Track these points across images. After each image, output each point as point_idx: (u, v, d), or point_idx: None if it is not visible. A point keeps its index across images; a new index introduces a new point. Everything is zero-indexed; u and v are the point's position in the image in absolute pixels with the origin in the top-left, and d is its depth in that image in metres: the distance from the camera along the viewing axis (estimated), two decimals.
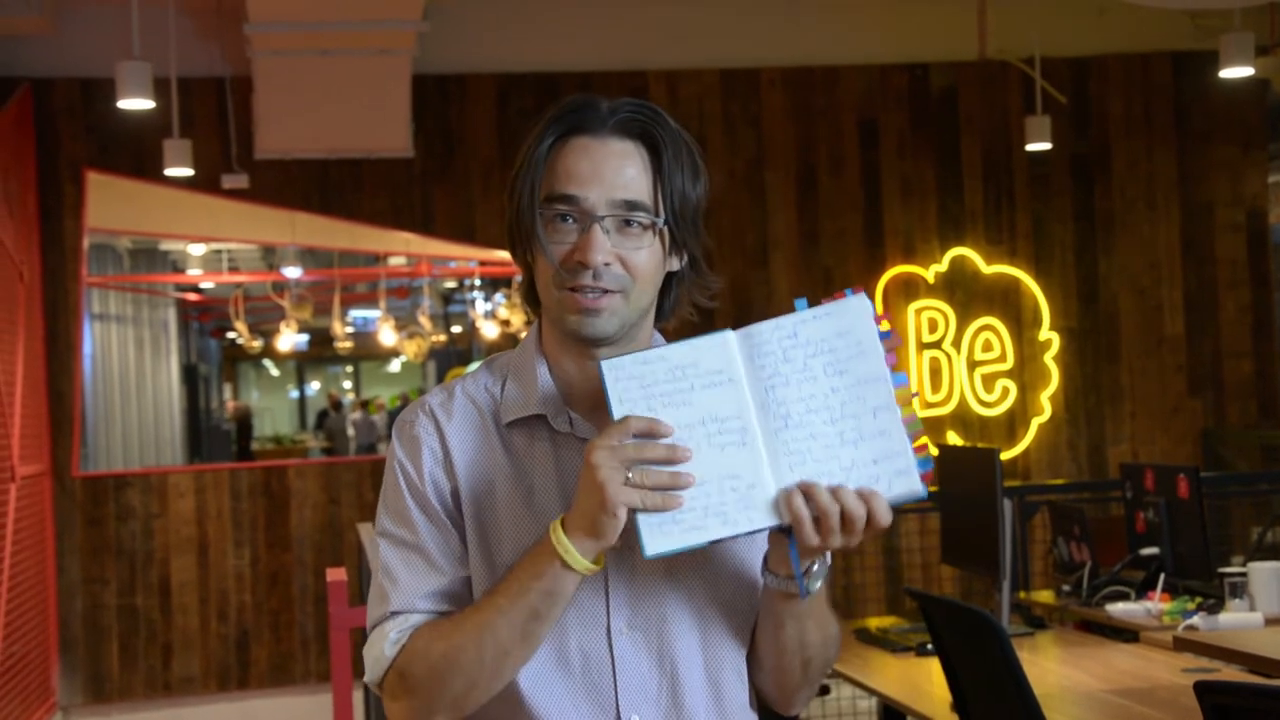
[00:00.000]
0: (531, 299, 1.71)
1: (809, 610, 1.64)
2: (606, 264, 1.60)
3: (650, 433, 1.52)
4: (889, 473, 1.56)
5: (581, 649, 1.62)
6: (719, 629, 1.67)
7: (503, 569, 1.63)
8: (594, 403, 1.69)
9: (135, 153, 7.04)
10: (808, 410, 1.53)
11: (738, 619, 1.69)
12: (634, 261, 1.62)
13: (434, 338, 13.13)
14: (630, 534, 1.65)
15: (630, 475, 1.50)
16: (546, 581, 1.55)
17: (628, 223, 1.62)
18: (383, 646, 1.63)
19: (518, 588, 1.56)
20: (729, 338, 1.55)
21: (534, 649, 1.59)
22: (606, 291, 1.61)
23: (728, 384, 1.53)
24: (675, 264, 1.69)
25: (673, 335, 1.79)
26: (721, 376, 1.53)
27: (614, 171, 1.62)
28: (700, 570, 1.66)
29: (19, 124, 6.81)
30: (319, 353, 19.03)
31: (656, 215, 1.63)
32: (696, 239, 1.68)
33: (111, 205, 7.61)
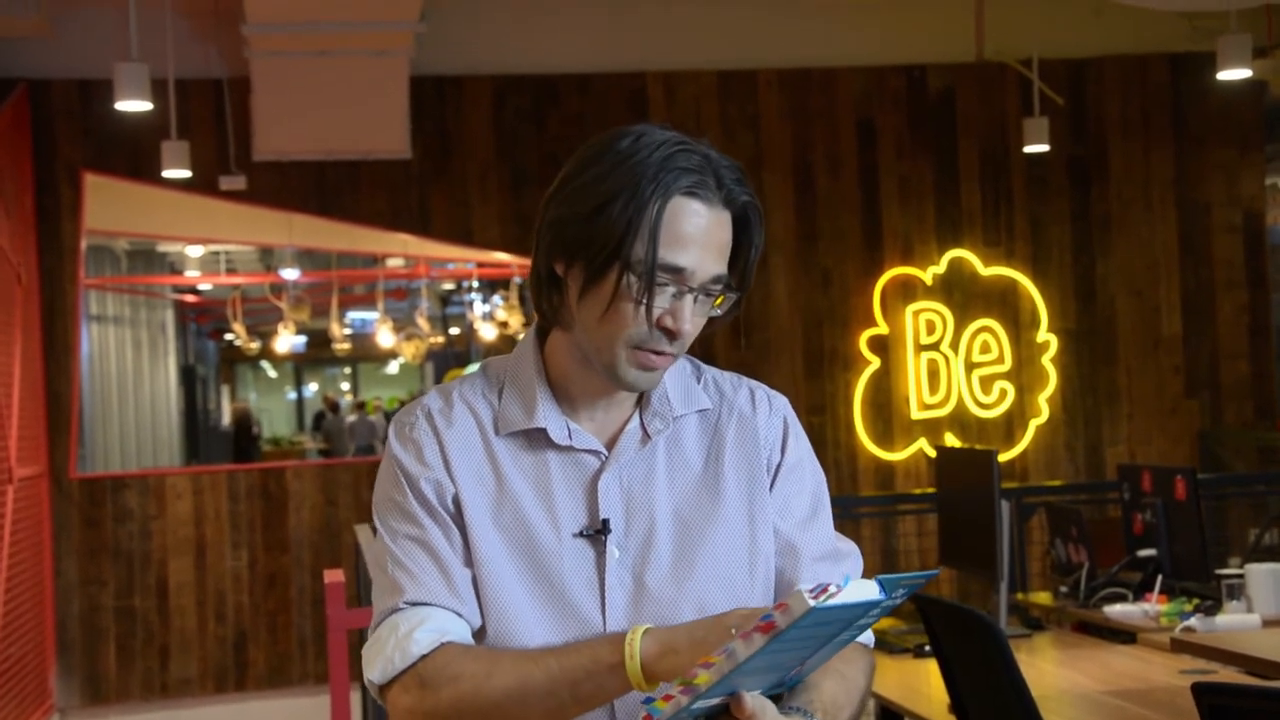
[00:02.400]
0: (547, 305, 1.67)
1: None
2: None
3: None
4: None
5: None
6: None
7: (494, 576, 1.62)
8: (592, 414, 1.69)
9: (132, 154, 7.04)
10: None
11: None
12: (697, 324, 1.63)
13: (432, 339, 13.12)
14: (630, 542, 1.65)
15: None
16: (600, 676, 1.51)
17: (708, 293, 1.62)
18: (401, 644, 1.59)
19: (574, 666, 1.53)
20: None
21: None
22: (669, 354, 1.62)
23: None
24: None
25: None
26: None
27: (716, 247, 1.60)
28: (702, 572, 1.65)
29: (16, 125, 6.81)
30: (317, 354, 19.01)
31: (733, 287, 1.63)
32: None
33: (109, 207, 7.61)
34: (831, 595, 1.36)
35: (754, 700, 1.44)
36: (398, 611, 1.62)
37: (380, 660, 1.60)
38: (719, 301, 1.63)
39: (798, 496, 1.73)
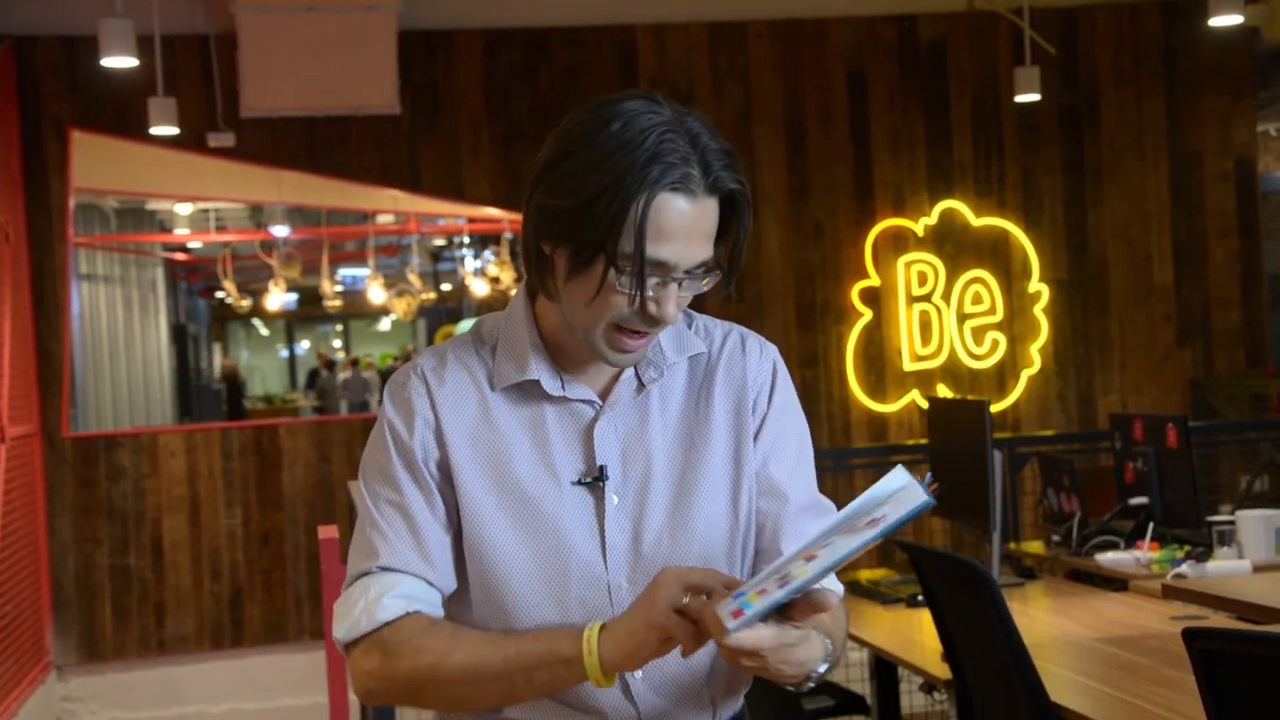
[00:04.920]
0: (537, 279, 1.67)
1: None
2: None
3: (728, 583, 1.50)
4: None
5: (582, 601, 1.63)
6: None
7: (492, 536, 1.64)
8: (585, 366, 1.70)
9: (120, 111, 7.00)
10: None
11: (734, 561, 1.70)
12: (683, 303, 1.63)
13: (423, 295, 13.10)
14: (627, 488, 1.66)
15: (686, 600, 1.48)
16: (556, 667, 1.54)
17: (693, 276, 1.62)
18: (369, 607, 1.62)
19: (531, 654, 1.56)
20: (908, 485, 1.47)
21: (513, 704, 1.62)
22: (649, 335, 1.63)
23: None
24: None
25: None
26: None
27: (700, 235, 1.59)
28: (696, 513, 1.67)
29: (1, 82, 6.76)
30: (308, 311, 19.01)
31: (719, 268, 1.63)
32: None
33: (97, 164, 7.57)
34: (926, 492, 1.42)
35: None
36: (369, 575, 1.65)
37: (347, 620, 1.64)
38: (705, 281, 1.63)
39: (786, 440, 1.75)
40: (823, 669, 1.55)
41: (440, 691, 1.60)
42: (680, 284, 1.60)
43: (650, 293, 1.59)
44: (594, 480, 1.66)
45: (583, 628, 1.54)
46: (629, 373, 1.71)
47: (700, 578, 1.49)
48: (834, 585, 1.73)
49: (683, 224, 1.57)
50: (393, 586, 1.63)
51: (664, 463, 1.68)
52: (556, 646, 1.54)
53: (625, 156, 1.55)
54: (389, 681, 1.61)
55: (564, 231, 1.58)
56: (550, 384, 1.68)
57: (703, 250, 1.60)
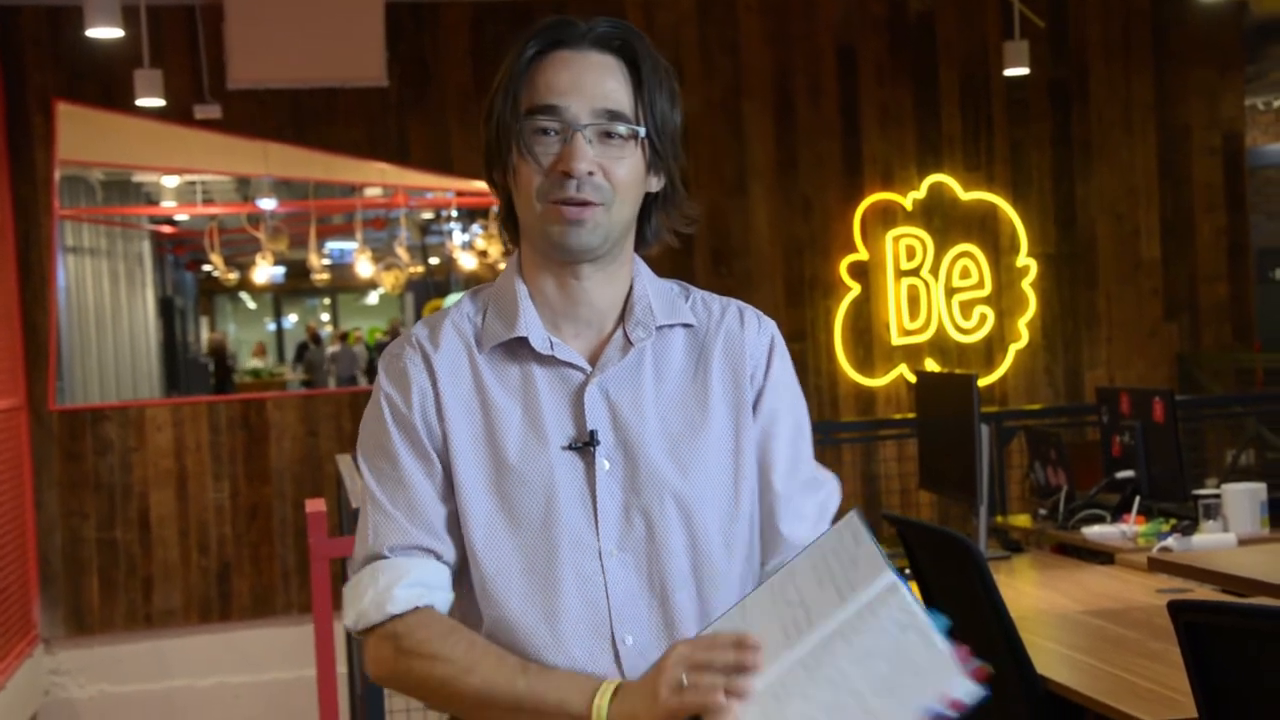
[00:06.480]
0: (510, 225, 1.71)
1: None
2: (590, 173, 1.60)
3: (738, 644, 1.46)
4: None
5: (576, 570, 1.61)
6: (711, 549, 1.65)
7: (483, 503, 1.63)
8: (576, 326, 1.70)
9: (105, 83, 6.96)
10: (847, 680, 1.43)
11: (733, 538, 1.68)
12: (615, 172, 1.62)
13: (411, 269, 13.05)
14: (618, 454, 1.65)
15: (684, 679, 1.45)
16: (563, 715, 1.52)
17: (609, 134, 1.62)
18: (379, 599, 1.61)
19: (543, 699, 1.53)
20: (889, 581, 1.44)
21: None
22: (589, 203, 1.61)
23: (839, 597, 1.45)
24: (655, 185, 1.69)
25: (654, 263, 1.78)
26: (846, 588, 1.45)
27: (595, 83, 1.62)
28: (690, 490, 1.66)
29: None
30: (296, 285, 18.93)
31: (638, 126, 1.63)
32: (676, 159, 1.69)
33: (82, 136, 7.52)
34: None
35: None
36: (381, 559, 1.63)
37: (355, 609, 1.64)
38: (629, 143, 1.63)
39: (782, 418, 1.74)
40: None
41: (449, 704, 1.61)
42: (588, 137, 1.61)
43: (556, 150, 1.61)
44: (584, 445, 1.64)
45: (597, 685, 1.52)
46: (618, 335, 1.69)
47: (705, 655, 1.46)
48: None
49: (565, 71, 1.63)
50: (404, 575, 1.62)
51: (657, 430, 1.66)
52: (567, 699, 1.52)
53: (513, 46, 1.68)
54: (400, 678, 1.61)
55: (488, 144, 1.67)
56: (539, 340, 1.67)
57: (603, 100, 1.62)
